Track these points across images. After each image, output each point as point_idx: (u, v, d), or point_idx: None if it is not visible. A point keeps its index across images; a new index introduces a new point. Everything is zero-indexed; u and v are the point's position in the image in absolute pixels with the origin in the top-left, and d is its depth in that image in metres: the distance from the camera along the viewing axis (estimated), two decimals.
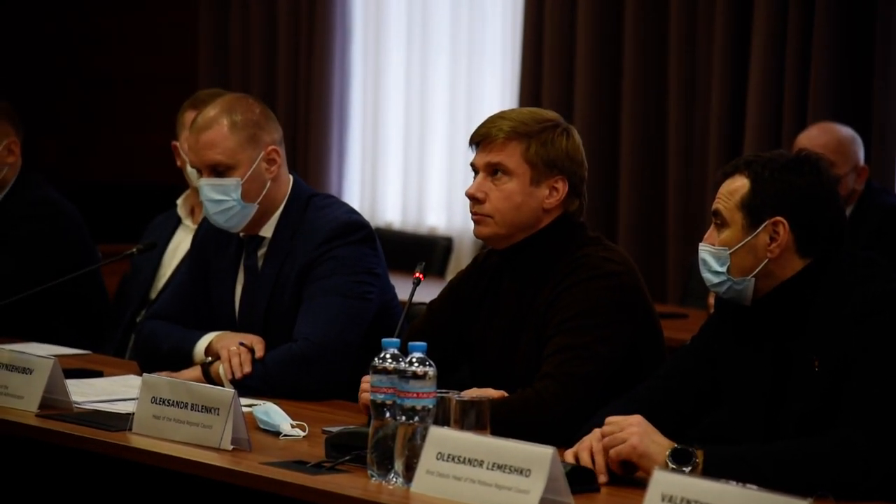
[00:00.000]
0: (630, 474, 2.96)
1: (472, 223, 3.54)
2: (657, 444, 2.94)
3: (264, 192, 3.91)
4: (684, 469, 2.88)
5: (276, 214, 3.96)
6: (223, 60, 8.48)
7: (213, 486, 3.11)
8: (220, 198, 3.87)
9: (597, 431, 3.01)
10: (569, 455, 2.99)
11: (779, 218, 3.06)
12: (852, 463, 2.87)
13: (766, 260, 3.08)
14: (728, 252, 3.09)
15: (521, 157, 3.44)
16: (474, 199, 3.47)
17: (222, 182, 3.87)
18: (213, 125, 3.88)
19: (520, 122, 3.45)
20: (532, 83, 7.20)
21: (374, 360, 2.93)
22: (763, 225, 3.07)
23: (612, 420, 3.00)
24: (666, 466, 2.89)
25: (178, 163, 4.85)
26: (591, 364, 3.33)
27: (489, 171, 3.46)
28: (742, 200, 3.09)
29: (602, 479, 2.96)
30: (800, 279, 3.07)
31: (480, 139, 3.48)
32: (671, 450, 2.92)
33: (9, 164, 4.86)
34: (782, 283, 3.08)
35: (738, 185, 3.10)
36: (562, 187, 3.47)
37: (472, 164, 3.51)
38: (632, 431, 2.95)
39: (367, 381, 3.28)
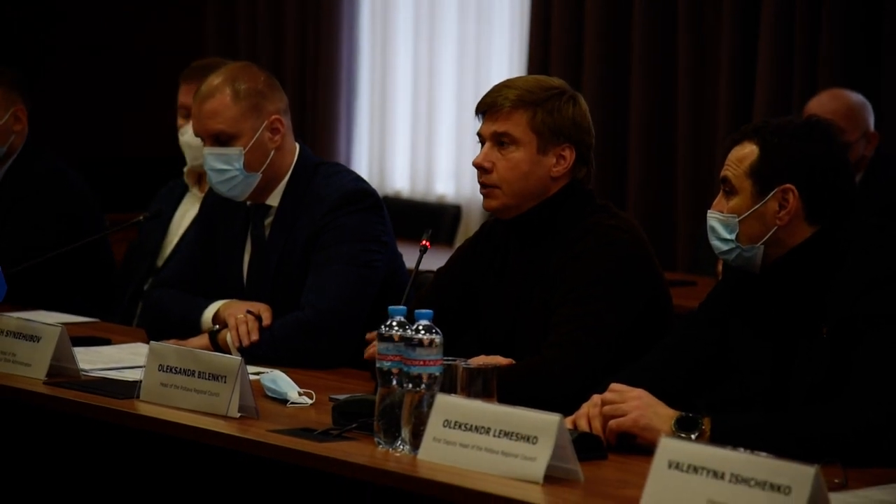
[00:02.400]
0: (629, 442, 2.96)
1: (480, 191, 3.53)
2: (660, 415, 2.93)
3: (268, 162, 3.90)
4: (690, 436, 2.88)
5: (282, 183, 3.95)
6: (230, 29, 8.46)
7: (221, 453, 3.11)
8: (223, 167, 3.87)
9: (595, 398, 3.01)
10: (568, 423, 2.99)
11: (788, 185, 3.04)
12: (860, 430, 2.86)
13: (776, 227, 3.06)
14: (737, 219, 3.07)
15: (527, 125, 3.42)
16: (482, 169, 3.45)
17: (225, 151, 3.86)
18: (216, 94, 3.87)
19: (526, 91, 3.42)
20: (540, 50, 7.17)
21: (380, 327, 2.92)
22: (772, 192, 3.05)
23: (615, 388, 2.99)
24: (672, 434, 2.88)
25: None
26: (599, 332, 3.32)
27: (496, 140, 3.45)
28: (751, 167, 3.06)
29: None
30: (809, 247, 3.05)
31: (486, 108, 3.46)
32: (677, 418, 2.91)
33: (16, 131, 4.86)
34: (791, 250, 3.06)
35: (747, 151, 3.08)
36: (569, 155, 3.45)
37: (479, 134, 3.49)
38: (633, 405, 2.94)
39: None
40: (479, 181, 3.48)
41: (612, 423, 2.94)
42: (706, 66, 6.72)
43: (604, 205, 3.51)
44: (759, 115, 6.40)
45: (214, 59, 4.87)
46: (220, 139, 3.88)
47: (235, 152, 3.86)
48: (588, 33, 7.00)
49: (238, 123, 3.87)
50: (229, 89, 3.87)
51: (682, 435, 2.89)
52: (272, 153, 3.91)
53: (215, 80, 3.89)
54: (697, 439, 2.87)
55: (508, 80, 3.49)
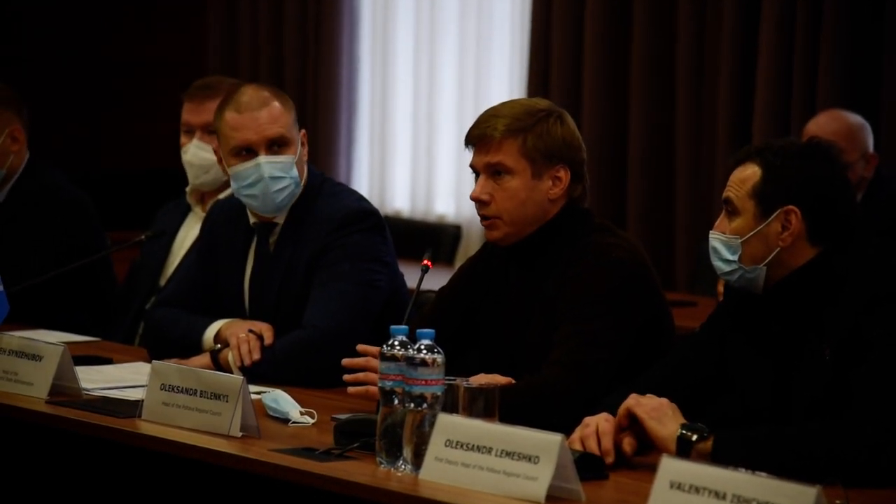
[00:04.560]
0: (639, 452, 2.97)
1: (481, 223, 3.54)
2: (673, 417, 2.96)
3: (304, 174, 3.93)
4: (693, 437, 2.90)
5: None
6: (231, 46, 8.48)
7: (222, 472, 3.12)
8: (281, 175, 3.87)
9: (587, 420, 3.03)
10: (575, 440, 3.00)
11: (791, 206, 3.05)
12: (862, 448, 2.87)
13: (778, 249, 3.07)
14: (739, 240, 3.08)
15: (518, 153, 3.42)
16: (480, 202, 3.46)
17: (281, 160, 3.87)
18: (269, 102, 3.88)
19: (513, 119, 3.42)
20: (540, 69, 7.18)
21: (382, 347, 2.93)
22: (775, 213, 3.06)
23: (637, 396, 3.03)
24: (675, 432, 2.92)
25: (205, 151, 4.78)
26: (600, 351, 3.33)
27: (490, 171, 3.45)
28: (754, 188, 3.07)
29: (609, 460, 2.96)
30: (811, 268, 3.06)
31: (476, 140, 3.46)
32: (684, 423, 2.95)
33: (13, 151, 4.81)
34: (794, 271, 3.07)
35: (749, 172, 3.09)
36: (564, 176, 3.46)
37: (472, 166, 3.50)
38: (654, 400, 2.98)
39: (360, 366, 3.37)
40: (478, 213, 3.49)
41: (631, 402, 2.98)
42: (706, 86, 6.74)
43: (604, 225, 3.52)
44: (758, 135, 6.41)
45: (217, 77, 4.89)
46: (277, 144, 3.88)
47: (290, 160, 3.88)
48: (588, 52, 7.01)
49: (291, 130, 3.90)
50: (276, 99, 3.90)
51: (685, 433, 2.91)
52: (305, 166, 3.94)
53: (258, 91, 3.89)
54: (698, 442, 2.90)
55: (494, 109, 3.48)
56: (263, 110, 3.86)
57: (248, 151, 3.87)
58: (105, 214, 5.07)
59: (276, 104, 3.88)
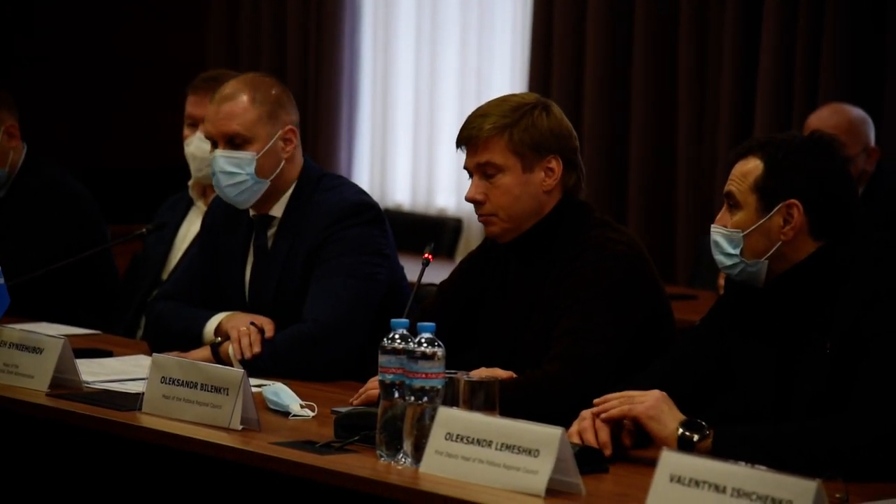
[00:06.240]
0: (639, 446, 2.97)
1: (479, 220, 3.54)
2: (671, 413, 2.96)
3: (278, 171, 3.91)
4: (693, 436, 2.89)
5: (286, 194, 3.96)
6: (233, 41, 8.48)
7: (223, 465, 3.12)
8: (234, 170, 3.87)
9: (585, 413, 3.03)
10: (573, 434, 3.00)
11: (793, 200, 3.05)
12: (863, 444, 2.87)
13: (780, 242, 3.07)
14: (741, 234, 3.08)
15: (506, 149, 3.43)
16: (475, 202, 3.47)
17: (237, 155, 3.87)
18: (236, 97, 3.89)
19: (498, 116, 3.43)
20: (541, 64, 7.18)
21: (383, 340, 2.93)
22: (777, 207, 3.06)
23: (630, 393, 3.02)
24: (676, 431, 2.91)
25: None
26: (600, 345, 3.33)
27: (481, 171, 3.46)
28: (756, 182, 3.07)
29: (607, 452, 2.97)
30: (813, 262, 3.06)
31: (464, 142, 3.47)
32: (683, 420, 2.94)
33: (11, 147, 4.84)
34: (795, 265, 3.07)
35: (751, 166, 3.09)
36: (556, 166, 3.46)
37: (465, 168, 3.50)
38: (649, 397, 2.97)
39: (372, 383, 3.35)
40: (476, 213, 3.49)
41: (625, 408, 2.97)
42: (707, 79, 6.74)
43: (604, 219, 3.52)
44: (759, 129, 6.41)
45: (223, 70, 4.89)
46: (234, 141, 3.89)
47: (248, 157, 3.88)
48: (589, 47, 7.01)
49: (254, 128, 3.89)
50: (248, 94, 3.89)
51: (686, 433, 2.90)
52: (283, 163, 3.92)
53: (235, 84, 3.91)
54: (699, 442, 2.90)
55: (481, 109, 3.48)
56: (227, 104, 3.88)
57: (212, 142, 3.90)
58: (107, 210, 5.07)
59: (243, 99, 3.88)
